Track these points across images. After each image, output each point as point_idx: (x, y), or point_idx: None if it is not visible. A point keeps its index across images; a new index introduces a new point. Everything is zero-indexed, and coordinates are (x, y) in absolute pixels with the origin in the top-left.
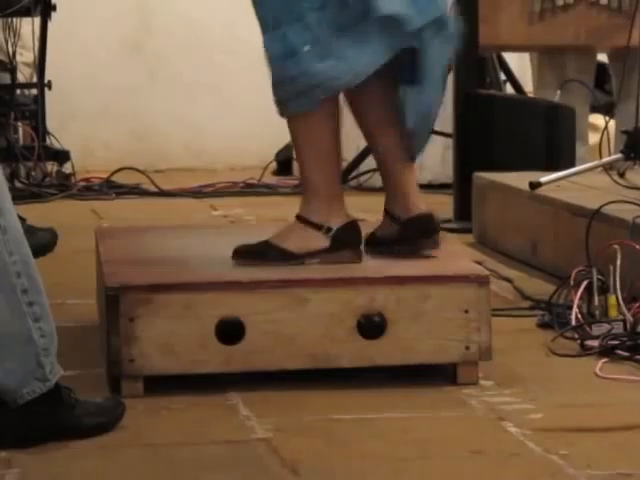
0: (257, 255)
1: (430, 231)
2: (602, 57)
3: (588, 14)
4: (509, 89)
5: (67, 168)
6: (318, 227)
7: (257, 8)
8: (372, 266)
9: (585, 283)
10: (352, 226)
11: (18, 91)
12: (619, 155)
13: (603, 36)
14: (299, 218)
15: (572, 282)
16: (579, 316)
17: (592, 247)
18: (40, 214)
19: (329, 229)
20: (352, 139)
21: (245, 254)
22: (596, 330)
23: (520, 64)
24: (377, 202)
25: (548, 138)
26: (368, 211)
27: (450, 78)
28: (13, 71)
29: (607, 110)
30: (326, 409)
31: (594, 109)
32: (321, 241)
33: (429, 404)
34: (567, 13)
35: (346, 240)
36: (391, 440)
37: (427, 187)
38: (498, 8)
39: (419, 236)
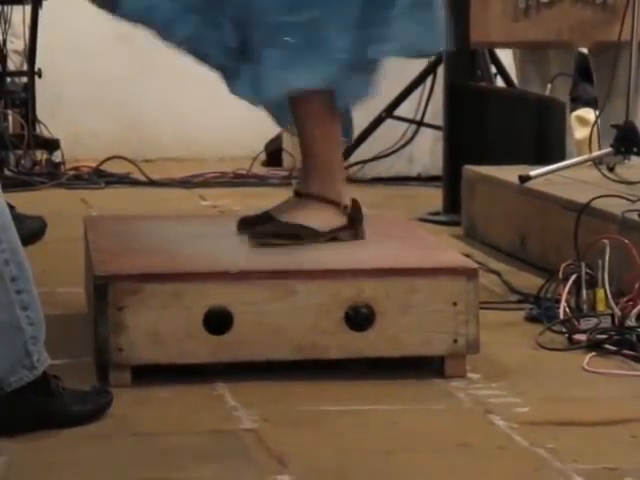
0: (288, 236)
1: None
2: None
3: (572, 10)
4: (500, 82)
5: (57, 157)
6: (337, 205)
7: None
8: (361, 258)
9: (573, 277)
10: (358, 205)
11: (8, 79)
12: (609, 149)
13: (586, 32)
14: (313, 197)
15: (560, 276)
16: (567, 310)
17: (581, 241)
18: (29, 202)
19: (346, 207)
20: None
21: (271, 236)
22: (584, 324)
23: (511, 57)
24: (367, 194)
25: (538, 132)
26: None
27: (440, 71)
28: (3, 59)
29: (597, 104)
30: (314, 400)
31: (583, 102)
32: (341, 218)
33: (416, 396)
34: (551, 10)
35: (357, 218)
36: (378, 432)
37: (416, 180)
38: (487, 5)
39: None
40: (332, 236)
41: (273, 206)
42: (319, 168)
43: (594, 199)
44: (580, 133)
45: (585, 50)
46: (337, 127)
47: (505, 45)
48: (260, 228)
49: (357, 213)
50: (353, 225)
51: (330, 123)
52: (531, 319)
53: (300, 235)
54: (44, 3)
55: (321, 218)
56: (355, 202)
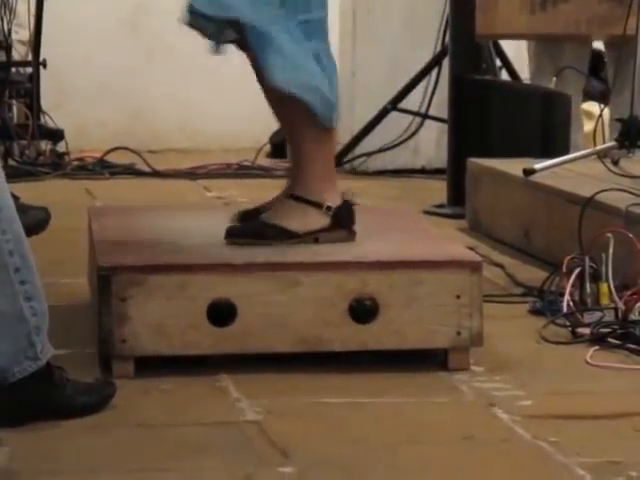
0: (256, 235)
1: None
2: (597, 44)
3: (588, 4)
4: (505, 75)
5: (61, 147)
6: (318, 206)
7: None
8: (365, 250)
9: (577, 271)
10: (348, 206)
11: (13, 69)
12: (613, 143)
13: (602, 25)
14: (295, 197)
15: (564, 269)
16: (571, 303)
17: (585, 235)
18: (33, 193)
19: (329, 208)
20: (346, 123)
21: (242, 234)
22: (587, 318)
23: (516, 50)
24: (371, 186)
25: (543, 125)
26: (362, 195)
27: (446, 63)
28: (8, 49)
29: (602, 98)
30: (317, 392)
31: (590, 97)
32: (321, 220)
33: (420, 389)
34: (567, 3)
35: (344, 219)
36: (381, 424)
37: (421, 172)
38: None
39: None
40: (312, 238)
41: (265, 202)
42: (303, 168)
43: (598, 193)
44: (585, 127)
45: (596, 44)
46: (324, 127)
47: (519, 37)
48: (236, 226)
49: (344, 215)
50: (337, 227)
51: (316, 124)
52: (535, 312)
53: (273, 236)
54: None
55: (300, 219)
56: (346, 203)
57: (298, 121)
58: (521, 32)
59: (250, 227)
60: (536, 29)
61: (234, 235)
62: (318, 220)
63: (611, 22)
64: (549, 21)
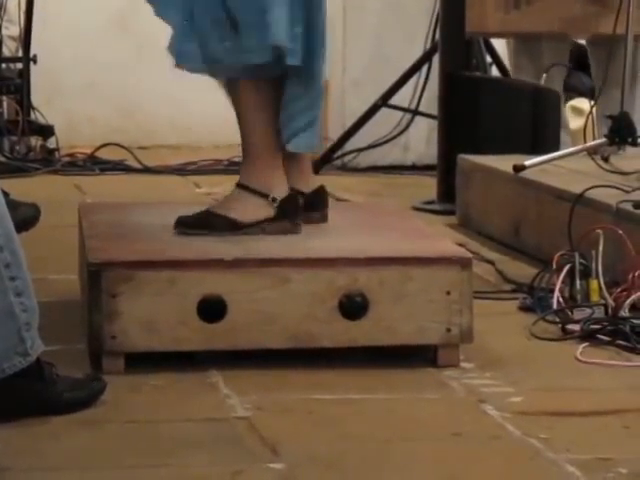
0: (202, 225)
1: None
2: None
3: (564, 2)
4: (495, 72)
5: (51, 143)
6: (264, 196)
7: None
8: (355, 247)
9: (567, 267)
10: (294, 198)
11: (3, 65)
12: (603, 139)
13: (577, 24)
14: (241, 186)
15: (554, 266)
16: (561, 300)
17: (575, 231)
18: (23, 189)
19: (274, 199)
20: (336, 119)
21: (189, 224)
22: (577, 314)
23: (506, 47)
24: (361, 182)
25: (533, 121)
26: (352, 191)
27: (436, 60)
28: None
29: (592, 94)
30: (307, 389)
31: (579, 93)
32: (266, 210)
33: (410, 386)
34: (545, 1)
35: (289, 211)
36: (371, 421)
37: (411, 168)
38: None
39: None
40: (256, 228)
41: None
42: (249, 157)
43: (588, 189)
44: (575, 123)
45: (583, 41)
46: (270, 115)
47: (500, 35)
48: (185, 215)
49: (290, 206)
50: (282, 218)
51: (261, 110)
52: (525, 309)
53: (214, 225)
54: None
55: (245, 209)
56: (292, 195)
57: (249, 105)
58: (499, 30)
59: (197, 217)
60: (514, 27)
61: (182, 224)
62: (263, 210)
63: (586, 21)
64: (526, 19)
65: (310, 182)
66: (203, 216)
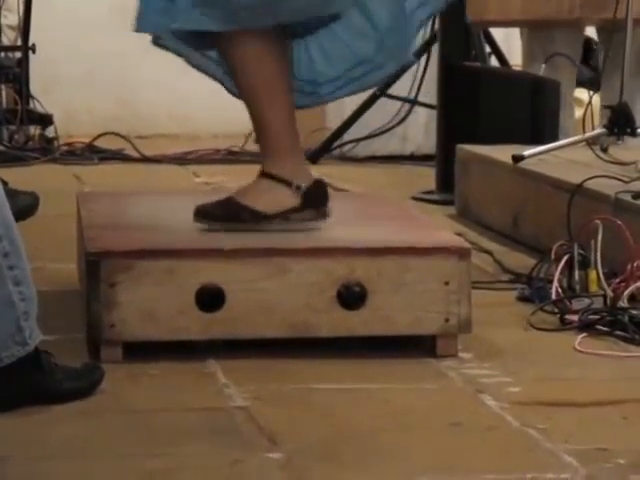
0: (227, 217)
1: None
2: (588, 31)
3: None
4: (494, 62)
5: (50, 132)
6: (288, 184)
7: None
8: (353, 237)
9: (566, 257)
10: (320, 185)
11: (2, 54)
12: (602, 130)
13: (596, 9)
14: (266, 175)
15: (553, 256)
16: (559, 290)
17: (574, 222)
18: (22, 178)
19: (299, 187)
20: (335, 109)
21: (211, 216)
22: (576, 305)
23: (505, 37)
24: (360, 172)
25: (532, 111)
26: (350, 181)
27: (435, 49)
28: None
29: (591, 85)
30: (305, 378)
31: (579, 83)
32: (292, 199)
33: (408, 376)
34: None
35: (315, 199)
36: (369, 411)
37: (410, 158)
38: None
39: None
40: (281, 219)
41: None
42: (270, 145)
43: (587, 180)
44: (575, 113)
45: (587, 31)
46: (287, 97)
47: (512, 24)
48: (205, 206)
49: (316, 194)
50: (308, 207)
51: (279, 92)
52: (523, 299)
53: (239, 217)
54: None
55: (269, 199)
56: (317, 182)
57: (263, 90)
58: (514, 18)
59: (222, 208)
60: (529, 14)
61: (205, 216)
62: (288, 199)
63: (604, 6)
64: (542, 6)
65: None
66: (228, 207)
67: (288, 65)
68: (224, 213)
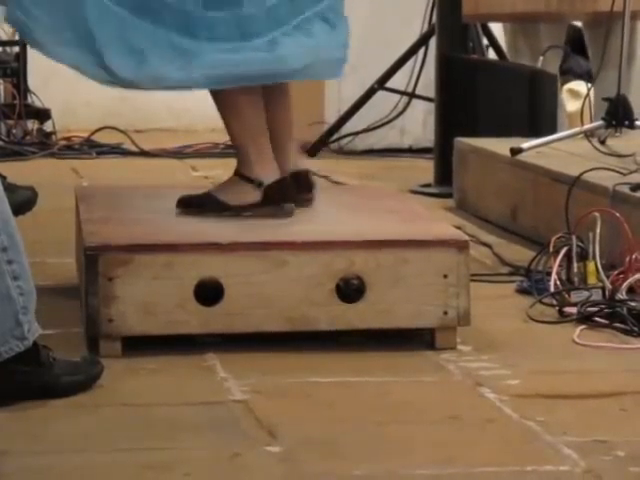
0: (197, 205)
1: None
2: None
3: None
4: (492, 54)
5: (48, 126)
6: (250, 181)
7: None
8: (352, 230)
9: (564, 250)
10: (283, 182)
11: (0, 48)
12: (600, 122)
13: (576, 3)
14: (236, 173)
15: (551, 249)
16: (558, 283)
17: (572, 214)
18: (20, 172)
19: (260, 184)
20: (333, 103)
21: (186, 203)
22: (575, 297)
23: (503, 29)
24: (358, 165)
25: (530, 104)
26: (348, 174)
27: (433, 42)
28: None
29: (589, 76)
30: (304, 372)
31: (576, 75)
32: (254, 195)
33: (407, 368)
34: None
35: (276, 195)
36: (368, 404)
37: (408, 152)
38: None
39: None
40: (244, 211)
41: None
42: (238, 148)
43: (585, 172)
44: (572, 106)
45: (579, 23)
46: (251, 110)
47: (496, 18)
48: (186, 195)
49: (275, 191)
50: (267, 203)
51: (243, 107)
52: (522, 291)
53: (205, 206)
54: None
55: (234, 193)
56: (278, 181)
57: (229, 105)
58: (496, 12)
59: (196, 197)
60: (509, 8)
61: (181, 203)
62: (250, 195)
63: (584, 0)
64: (521, 0)
65: (298, 164)
66: (201, 197)
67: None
68: (197, 202)
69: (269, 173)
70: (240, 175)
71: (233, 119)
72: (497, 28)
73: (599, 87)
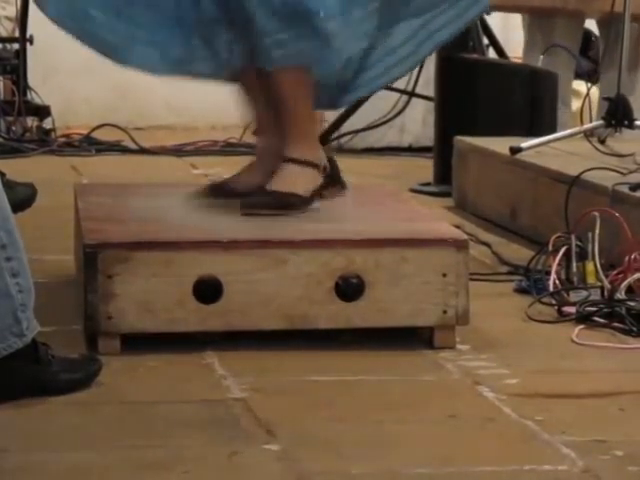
0: (280, 206)
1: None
2: (588, 23)
3: None
4: (492, 53)
5: (47, 123)
6: (315, 166)
7: None
8: (351, 228)
9: (564, 249)
10: (333, 161)
11: (0, 45)
12: (600, 122)
13: (592, 1)
14: (293, 160)
15: (550, 248)
16: (557, 282)
17: (571, 213)
18: (20, 169)
19: (325, 167)
20: None
21: (260, 205)
22: (574, 296)
23: (503, 29)
24: (358, 164)
25: (530, 103)
26: (349, 173)
27: None
28: None
29: (590, 77)
30: (303, 370)
31: (577, 75)
32: (317, 179)
33: (405, 367)
34: None
35: (334, 175)
36: (367, 402)
37: (408, 150)
38: None
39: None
40: (316, 197)
41: (237, 173)
42: (296, 132)
43: (585, 171)
44: (573, 105)
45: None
46: (311, 88)
47: (512, 9)
48: (251, 198)
49: (334, 170)
50: (332, 184)
51: (304, 85)
52: (521, 291)
53: (293, 204)
54: None
55: (304, 182)
56: (330, 159)
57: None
58: (513, 4)
59: (268, 199)
60: (527, 1)
61: (249, 207)
62: (315, 180)
63: None
64: None
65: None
66: (277, 197)
67: None
68: (273, 204)
69: (323, 155)
70: (300, 162)
71: (302, 100)
72: (497, 27)
73: (605, 87)
